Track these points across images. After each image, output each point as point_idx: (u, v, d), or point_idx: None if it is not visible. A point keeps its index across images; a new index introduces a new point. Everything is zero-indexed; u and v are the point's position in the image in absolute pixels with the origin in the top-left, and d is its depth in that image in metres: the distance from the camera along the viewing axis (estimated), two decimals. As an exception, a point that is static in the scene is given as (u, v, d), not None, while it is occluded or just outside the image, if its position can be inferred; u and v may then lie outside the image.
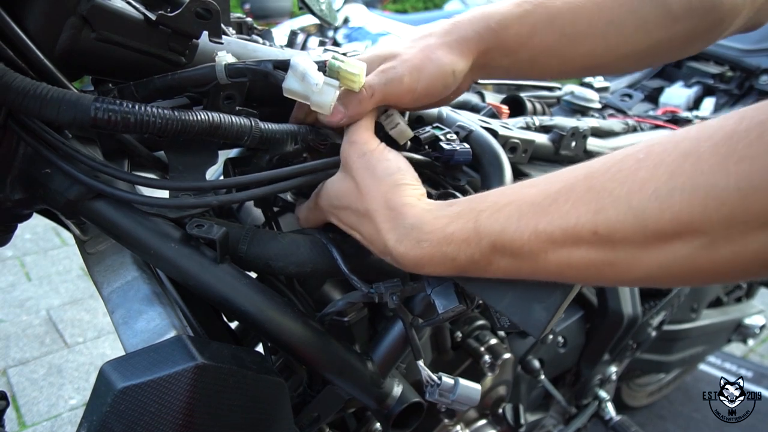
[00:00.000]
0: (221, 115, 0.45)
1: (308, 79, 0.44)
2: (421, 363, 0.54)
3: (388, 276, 0.52)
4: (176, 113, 0.42)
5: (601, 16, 0.53)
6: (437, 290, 0.49)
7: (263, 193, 0.48)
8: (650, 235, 0.33)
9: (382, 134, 0.52)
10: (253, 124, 0.46)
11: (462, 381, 0.56)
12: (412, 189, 0.46)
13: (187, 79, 0.46)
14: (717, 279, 0.34)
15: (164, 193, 0.48)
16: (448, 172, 0.57)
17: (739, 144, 0.30)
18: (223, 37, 0.52)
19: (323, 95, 0.45)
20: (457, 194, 0.54)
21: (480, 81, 1.01)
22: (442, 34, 0.51)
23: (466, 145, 0.56)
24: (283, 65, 0.46)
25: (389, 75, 0.49)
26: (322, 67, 0.46)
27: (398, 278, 0.51)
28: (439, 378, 0.55)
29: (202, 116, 0.43)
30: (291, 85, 0.45)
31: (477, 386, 0.57)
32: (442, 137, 0.55)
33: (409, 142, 0.55)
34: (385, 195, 0.45)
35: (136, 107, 0.40)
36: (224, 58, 0.46)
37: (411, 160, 0.54)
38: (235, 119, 0.45)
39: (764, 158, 0.29)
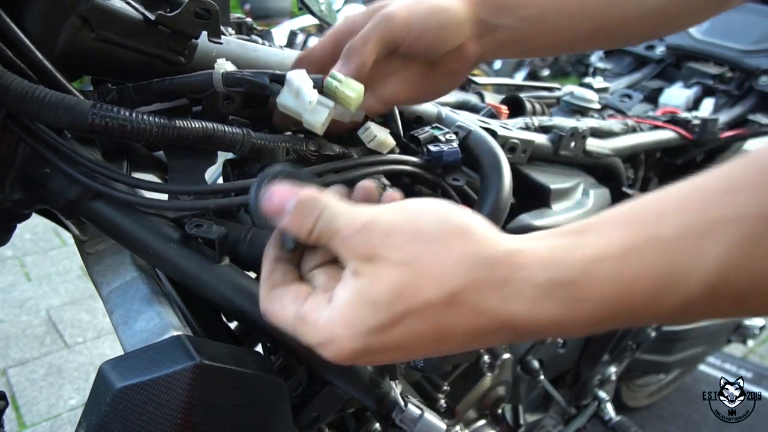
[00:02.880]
0: (215, 124, 0.45)
1: (302, 96, 0.44)
2: (394, 384, 0.53)
3: None
4: (171, 122, 0.42)
5: None
6: None
7: None
8: None
9: (364, 148, 0.52)
10: (245, 133, 0.47)
11: (428, 416, 0.55)
12: (489, 230, 0.31)
13: (185, 84, 0.47)
14: None
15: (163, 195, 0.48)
16: (447, 173, 0.57)
17: None
18: (223, 37, 0.52)
19: (315, 114, 0.44)
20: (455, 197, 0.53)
21: (481, 82, 1.01)
22: None
23: (454, 145, 0.55)
24: (280, 79, 0.45)
25: (379, 15, 0.46)
26: (319, 83, 0.45)
27: None
28: (406, 404, 0.54)
29: (196, 125, 0.44)
30: (285, 100, 0.45)
31: (442, 426, 0.55)
32: (441, 137, 0.55)
33: (396, 148, 0.55)
34: (462, 252, 0.29)
35: (134, 115, 0.40)
36: (223, 66, 0.46)
37: (405, 163, 0.54)
38: (227, 129, 0.46)
39: None
